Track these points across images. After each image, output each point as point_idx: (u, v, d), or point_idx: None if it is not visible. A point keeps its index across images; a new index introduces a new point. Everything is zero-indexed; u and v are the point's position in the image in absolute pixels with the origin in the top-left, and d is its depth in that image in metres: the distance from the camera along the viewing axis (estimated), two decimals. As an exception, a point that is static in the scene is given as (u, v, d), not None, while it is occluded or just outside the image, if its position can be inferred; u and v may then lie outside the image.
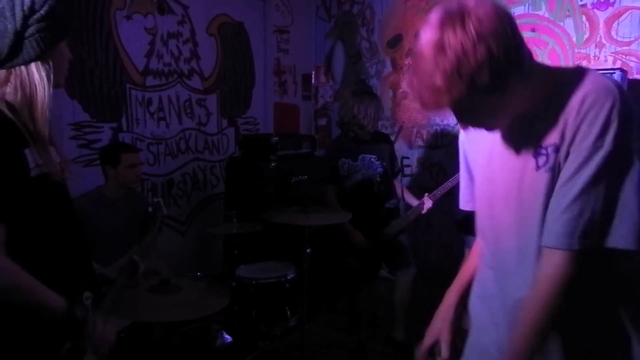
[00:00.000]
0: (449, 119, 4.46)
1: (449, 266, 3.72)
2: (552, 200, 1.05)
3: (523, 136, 1.11)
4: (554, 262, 1.04)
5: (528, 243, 1.12)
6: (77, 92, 2.99)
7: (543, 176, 1.07)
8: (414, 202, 3.17)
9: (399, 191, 3.24)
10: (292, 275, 2.69)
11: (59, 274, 1.25)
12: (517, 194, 1.13)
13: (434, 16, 0.99)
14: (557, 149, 1.04)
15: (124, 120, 3.29)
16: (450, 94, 0.97)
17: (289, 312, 2.64)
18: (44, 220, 1.24)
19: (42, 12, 1.14)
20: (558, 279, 1.04)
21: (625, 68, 3.47)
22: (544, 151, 1.06)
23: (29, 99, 1.17)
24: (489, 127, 1.13)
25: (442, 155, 4.51)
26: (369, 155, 3.06)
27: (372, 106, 2.99)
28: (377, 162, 3.07)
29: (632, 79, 3.55)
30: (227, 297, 2.02)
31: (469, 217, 3.78)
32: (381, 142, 3.17)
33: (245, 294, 2.62)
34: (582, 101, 1.00)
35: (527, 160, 1.10)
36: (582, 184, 1.00)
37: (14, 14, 1.10)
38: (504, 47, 0.95)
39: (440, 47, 0.95)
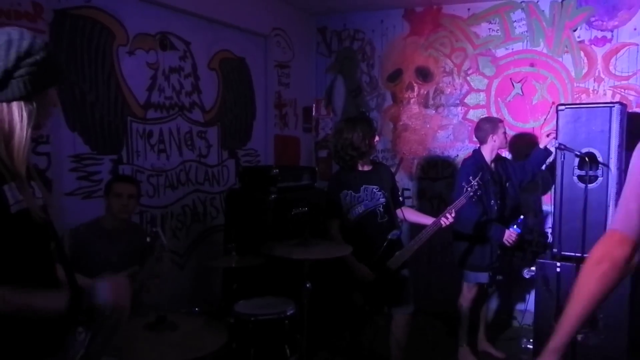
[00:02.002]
0: (450, 151, 4.48)
1: (450, 300, 3.66)
2: None
3: None
4: None
5: None
6: (77, 125, 3.00)
7: None
8: (422, 219, 3.13)
9: (400, 215, 3.21)
10: (291, 312, 2.63)
11: None
12: None
13: None
14: None
15: (124, 152, 3.29)
16: None
17: (288, 351, 2.57)
18: (26, 255, 1.23)
19: (37, 57, 1.18)
20: None
21: (624, 102, 3.49)
22: None
23: (7, 135, 1.18)
24: None
25: (442, 187, 4.50)
26: (370, 186, 3.03)
27: (362, 126, 2.98)
28: (379, 193, 3.04)
29: (631, 112, 3.58)
30: (224, 334, 1.97)
31: (467, 252, 3.76)
32: (382, 172, 3.15)
33: (244, 331, 2.56)
34: None
35: None
36: None
37: (8, 54, 1.15)
38: None
39: None
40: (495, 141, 3.43)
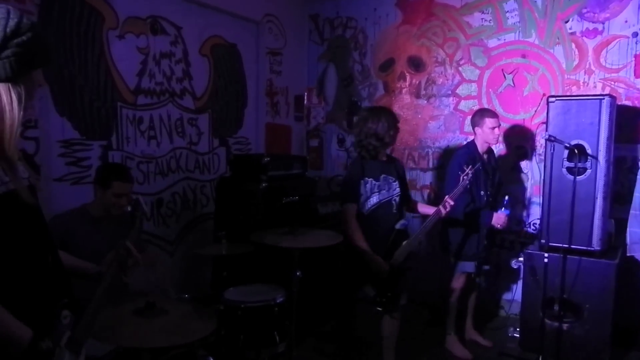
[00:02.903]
0: (441, 142, 4.49)
1: (437, 290, 3.69)
2: None
3: None
4: None
5: None
6: (66, 110, 2.96)
7: None
8: (427, 210, 3.16)
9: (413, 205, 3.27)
10: (281, 299, 2.64)
11: (28, 293, 1.22)
12: None
13: None
14: None
15: (114, 138, 3.26)
16: None
17: (277, 338, 2.59)
18: (12, 238, 1.20)
19: (24, 37, 1.13)
20: None
21: (614, 94, 3.51)
22: None
23: None
24: None
25: (433, 177, 4.52)
26: (389, 177, 3.05)
27: (387, 117, 3.00)
28: (395, 184, 3.06)
29: (620, 105, 3.60)
30: (214, 321, 1.97)
31: (454, 241, 3.75)
32: (397, 165, 3.18)
33: (233, 317, 2.57)
34: None
35: None
36: None
37: None
38: None
39: None
40: (480, 134, 3.45)
